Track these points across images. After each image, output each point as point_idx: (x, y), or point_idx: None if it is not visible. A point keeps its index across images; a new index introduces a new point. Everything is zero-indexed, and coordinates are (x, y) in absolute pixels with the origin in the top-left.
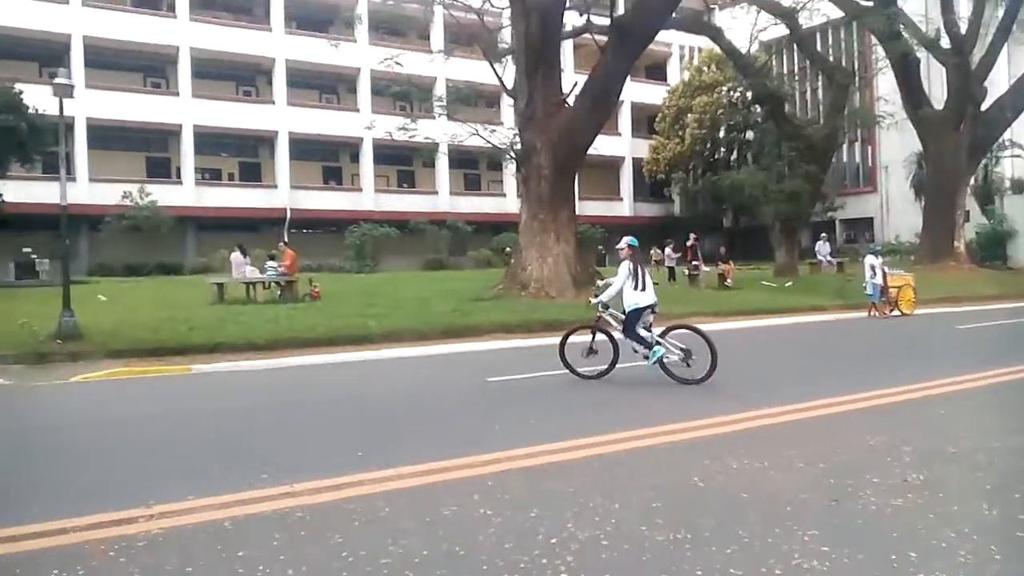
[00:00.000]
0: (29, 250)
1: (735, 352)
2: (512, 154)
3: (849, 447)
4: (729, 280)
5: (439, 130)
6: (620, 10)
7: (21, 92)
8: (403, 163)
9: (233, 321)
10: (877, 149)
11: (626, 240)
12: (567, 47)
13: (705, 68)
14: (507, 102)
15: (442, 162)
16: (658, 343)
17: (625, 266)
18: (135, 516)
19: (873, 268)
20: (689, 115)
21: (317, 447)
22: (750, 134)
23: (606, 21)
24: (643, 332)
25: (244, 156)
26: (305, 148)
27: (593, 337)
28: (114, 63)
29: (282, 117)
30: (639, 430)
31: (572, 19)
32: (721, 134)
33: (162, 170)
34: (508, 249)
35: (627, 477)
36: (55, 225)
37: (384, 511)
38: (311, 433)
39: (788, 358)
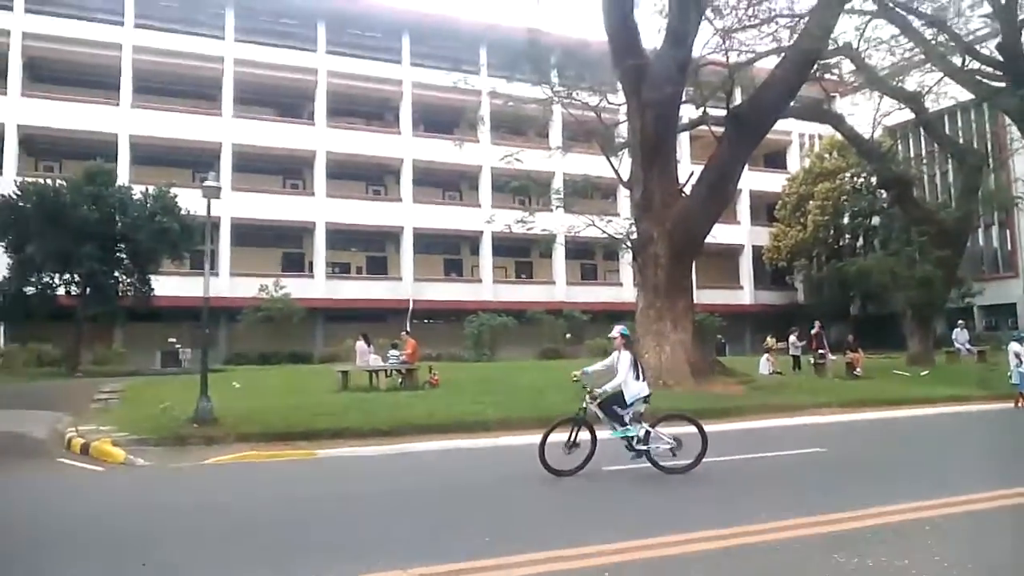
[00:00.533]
0: (174, 340)
1: (867, 444)
2: (628, 244)
3: (999, 547)
4: (858, 369)
5: (556, 222)
6: (736, 101)
7: (176, 196)
8: (521, 255)
9: (356, 408)
10: (1017, 232)
11: (618, 329)
12: (683, 138)
13: (827, 155)
14: (623, 193)
15: (559, 253)
16: (632, 428)
17: (627, 358)
18: None
19: (1019, 356)
20: (811, 202)
21: (424, 533)
22: (876, 220)
23: (722, 113)
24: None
25: (371, 251)
26: (428, 242)
27: (576, 431)
28: (257, 167)
29: (408, 214)
30: (764, 524)
31: (688, 112)
32: (845, 220)
33: (296, 265)
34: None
35: (753, 572)
36: (199, 317)
37: None
38: (422, 519)
39: (926, 450)
